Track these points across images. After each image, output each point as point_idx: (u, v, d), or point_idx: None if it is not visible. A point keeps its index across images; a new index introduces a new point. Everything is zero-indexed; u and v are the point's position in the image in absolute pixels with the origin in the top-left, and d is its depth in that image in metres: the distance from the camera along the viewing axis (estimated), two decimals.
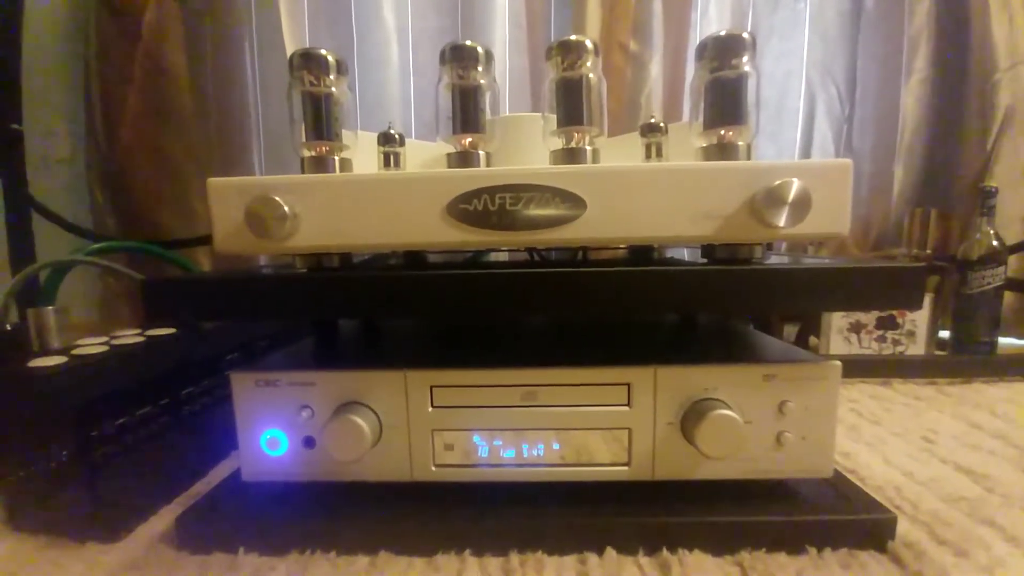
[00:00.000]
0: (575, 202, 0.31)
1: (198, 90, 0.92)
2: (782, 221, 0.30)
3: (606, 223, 0.31)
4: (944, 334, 0.82)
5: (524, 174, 0.31)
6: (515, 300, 0.31)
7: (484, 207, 0.31)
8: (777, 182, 0.30)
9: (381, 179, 0.32)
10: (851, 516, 0.34)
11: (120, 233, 0.97)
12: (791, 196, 0.30)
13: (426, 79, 0.92)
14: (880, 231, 0.96)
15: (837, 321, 0.77)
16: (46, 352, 0.48)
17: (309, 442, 0.35)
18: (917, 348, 0.76)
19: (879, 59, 0.95)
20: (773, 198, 0.30)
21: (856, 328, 0.77)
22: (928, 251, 0.82)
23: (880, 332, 0.76)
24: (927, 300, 0.76)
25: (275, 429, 0.35)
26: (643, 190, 0.31)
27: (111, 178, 0.96)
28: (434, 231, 0.31)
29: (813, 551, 0.33)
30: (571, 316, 0.30)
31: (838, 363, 0.34)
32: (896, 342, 0.76)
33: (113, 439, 0.36)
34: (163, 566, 0.33)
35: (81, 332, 0.53)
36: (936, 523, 0.36)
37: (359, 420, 0.32)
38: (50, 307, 0.65)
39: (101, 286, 0.98)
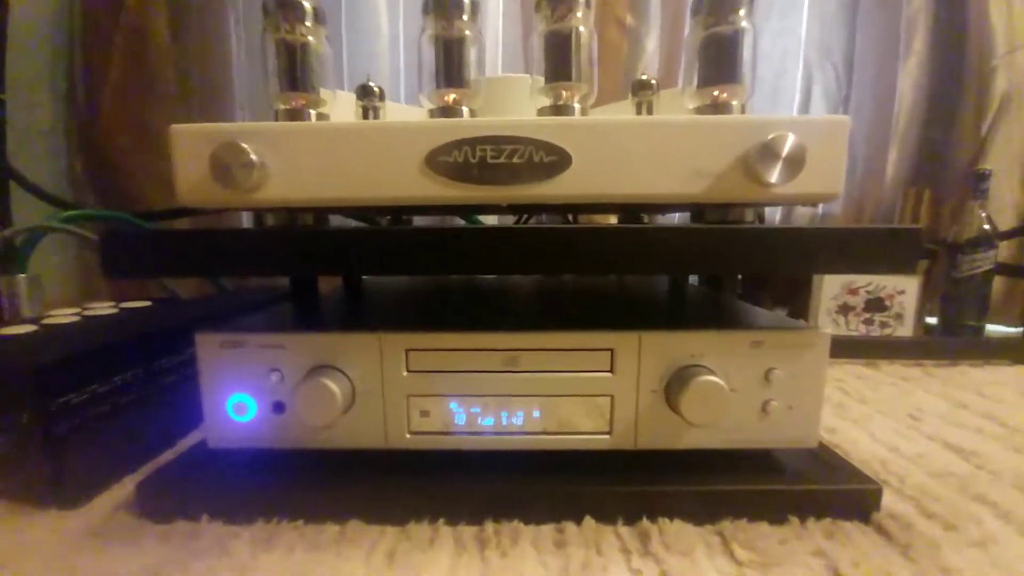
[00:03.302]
0: (560, 156, 0.29)
1: (181, 59, 0.90)
2: (775, 177, 0.29)
3: (592, 179, 0.30)
4: (932, 320, 0.82)
5: (507, 125, 0.30)
6: (500, 257, 0.29)
7: (464, 159, 0.29)
8: (771, 136, 0.28)
9: (356, 128, 0.31)
10: (835, 486, 0.33)
11: (99, 205, 0.94)
12: (785, 150, 0.28)
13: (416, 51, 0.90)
14: (872, 214, 0.95)
15: (825, 303, 0.76)
16: (18, 321, 0.47)
17: (278, 407, 0.33)
18: (904, 331, 0.76)
19: (877, 39, 0.93)
20: (766, 152, 0.28)
21: (844, 310, 0.76)
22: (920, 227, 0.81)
23: (868, 315, 0.76)
24: (916, 283, 0.76)
25: (242, 394, 0.33)
26: (632, 144, 0.29)
27: (90, 149, 0.93)
28: (412, 184, 0.30)
29: (796, 521, 0.32)
30: (555, 273, 0.28)
31: (827, 331, 0.33)
32: (884, 324, 0.76)
33: (78, 407, 0.35)
34: (123, 534, 0.32)
35: (58, 306, 0.51)
36: (924, 497, 0.35)
37: (331, 384, 0.31)
38: (22, 275, 0.62)
39: (79, 261, 0.96)
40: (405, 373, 0.33)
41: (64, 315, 0.47)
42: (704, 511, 0.32)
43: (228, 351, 0.33)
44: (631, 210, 0.46)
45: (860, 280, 0.76)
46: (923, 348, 0.73)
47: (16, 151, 0.81)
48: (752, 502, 0.32)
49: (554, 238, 0.29)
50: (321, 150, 0.30)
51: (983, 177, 0.75)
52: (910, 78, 0.92)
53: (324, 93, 0.35)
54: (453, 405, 0.33)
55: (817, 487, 0.33)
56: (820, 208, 0.99)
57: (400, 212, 0.39)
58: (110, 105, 0.91)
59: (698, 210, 0.35)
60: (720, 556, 0.29)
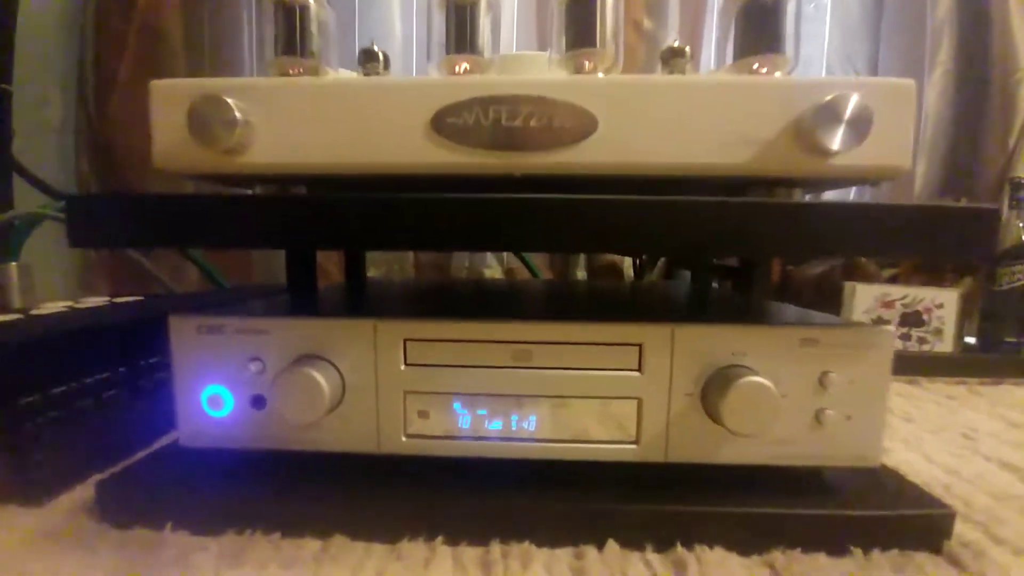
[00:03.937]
0: (584, 119, 0.26)
1: (194, 57, 0.89)
2: (837, 143, 0.25)
3: (620, 146, 0.26)
4: (969, 340, 0.77)
5: (525, 83, 0.26)
6: (516, 227, 0.25)
7: (476, 121, 0.26)
8: (831, 96, 0.24)
9: (353, 85, 0.27)
10: (903, 511, 0.28)
11: None
12: (848, 112, 0.24)
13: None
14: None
15: (857, 316, 0.71)
16: (6, 311, 0.45)
17: (258, 402, 0.29)
18: (944, 347, 0.70)
19: (901, 50, 0.90)
20: (826, 114, 0.25)
21: (878, 324, 0.71)
22: None
23: (904, 329, 0.71)
24: (955, 296, 0.71)
25: (218, 385, 0.30)
26: (667, 107, 0.26)
27: (99, 148, 0.92)
28: (415, 149, 0.26)
29: (858, 552, 0.27)
30: (574, 249, 0.24)
31: (890, 328, 0.29)
32: (922, 340, 0.71)
33: (49, 399, 0.32)
34: (81, 537, 0.28)
35: (57, 300, 0.49)
36: (991, 521, 0.31)
37: (316, 375, 0.27)
38: (13, 263, 0.60)
39: (80, 256, 0.94)
40: (403, 367, 0.29)
41: (54, 307, 0.45)
42: (750, 538, 0.27)
43: (204, 337, 0.29)
44: (661, 190, 0.42)
45: (895, 292, 0.71)
46: (965, 366, 0.67)
47: (25, 148, 0.80)
48: (807, 529, 0.27)
49: (580, 208, 0.25)
50: (313, 110, 0.27)
51: (1020, 186, 0.71)
52: (935, 90, 0.89)
53: (326, 72, 0.32)
54: (456, 405, 0.29)
55: (884, 513, 0.28)
56: (851, 194, 0.95)
57: (400, 187, 0.36)
58: (120, 105, 0.91)
59: (739, 190, 0.31)
60: None
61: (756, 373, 0.27)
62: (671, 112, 0.26)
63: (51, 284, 0.86)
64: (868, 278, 0.76)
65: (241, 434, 0.30)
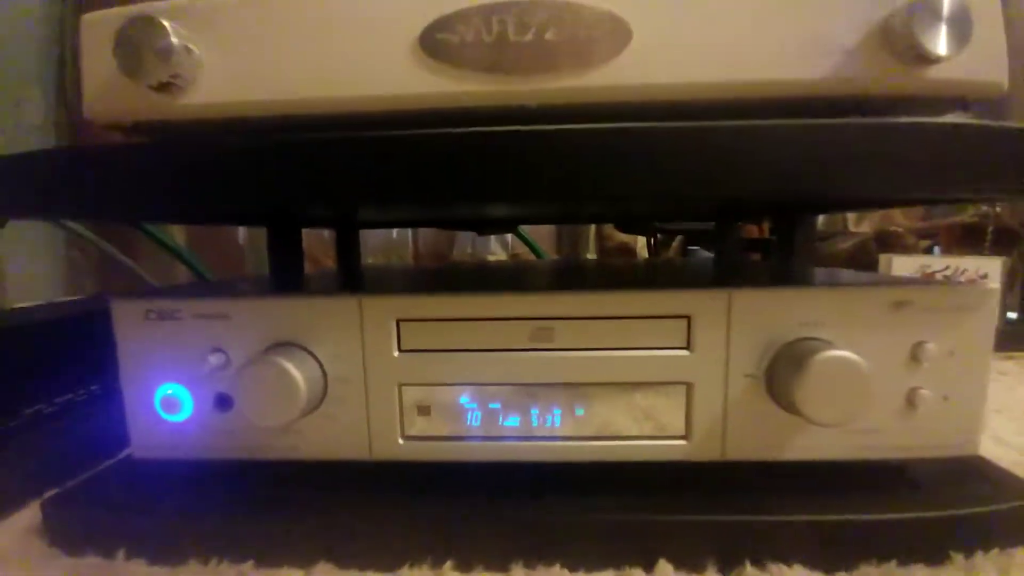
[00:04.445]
0: (615, 29, 0.20)
1: None
2: (941, 45, 0.19)
3: (662, 62, 0.20)
4: (1011, 315, 0.71)
5: None
6: (555, 168, 0.19)
7: (475, 37, 0.20)
8: None
9: None
10: (1005, 505, 0.23)
11: None
12: (946, 8, 0.19)
13: None
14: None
15: None
16: None
17: (223, 402, 0.24)
18: None
19: None
20: (923, 10, 0.19)
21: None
22: (997, 208, 0.70)
23: None
24: (998, 265, 0.65)
25: (174, 383, 0.24)
26: (718, 8, 0.20)
27: (80, 143, 0.87)
28: (399, 77, 0.21)
29: (959, 557, 0.22)
30: (633, 194, 0.19)
31: (996, 287, 0.23)
32: None
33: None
34: (28, 562, 0.23)
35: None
36: None
37: (290, 366, 0.22)
38: None
39: (67, 259, 0.89)
40: (396, 353, 0.24)
41: (22, 307, 0.41)
42: (833, 552, 0.22)
43: (155, 325, 0.24)
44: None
45: (936, 263, 0.65)
46: (1015, 338, 0.62)
47: (7, 147, 0.75)
48: (902, 537, 0.22)
49: (651, 137, 0.19)
50: (274, 32, 0.21)
51: None
52: None
53: None
54: (464, 399, 0.24)
55: (985, 509, 0.23)
56: None
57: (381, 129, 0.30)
58: None
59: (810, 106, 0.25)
60: None
61: (835, 346, 0.22)
62: (727, 14, 0.20)
63: (38, 285, 0.81)
64: (905, 249, 0.70)
65: (204, 442, 0.25)
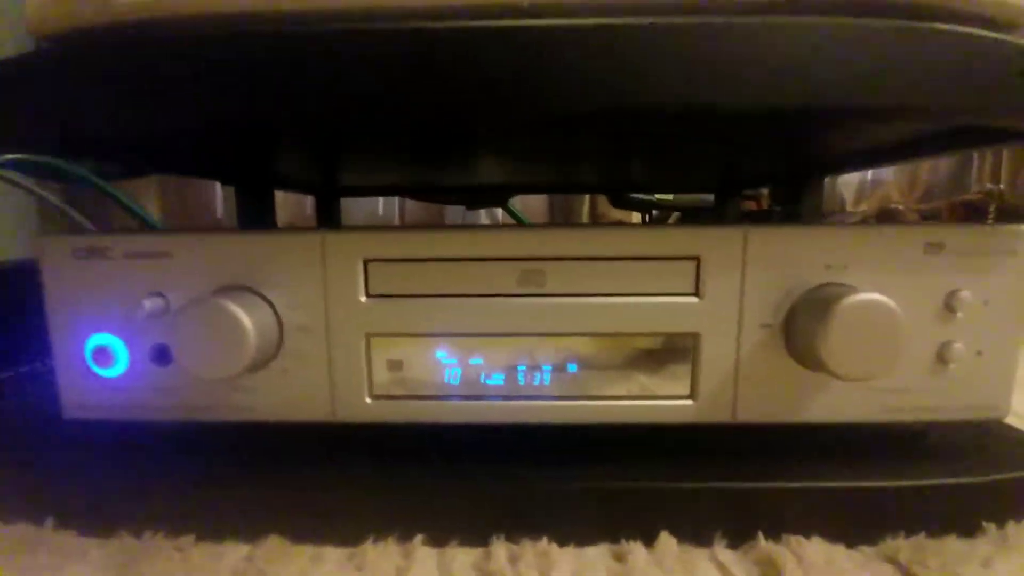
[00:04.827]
0: None
1: None
2: None
3: None
4: None
5: None
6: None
7: None
8: None
9: None
10: None
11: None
12: None
13: None
14: (929, 179, 0.83)
15: None
16: None
17: (161, 355, 0.21)
18: None
19: None
20: None
21: None
22: (1001, 186, 0.68)
23: None
24: None
25: (107, 333, 0.21)
26: None
27: None
28: None
29: (992, 528, 0.19)
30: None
31: None
32: None
33: None
34: None
35: None
36: None
37: (235, 308, 0.19)
38: None
39: (37, 212, 0.84)
40: (363, 299, 0.21)
41: None
42: (856, 522, 0.19)
43: (85, 265, 0.21)
44: None
45: None
46: None
47: None
48: (928, 506, 0.20)
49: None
50: None
51: None
52: None
53: None
54: (441, 353, 0.21)
55: (1017, 475, 0.20)
56: (870, 172, 0.87)
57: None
58: None
59: None
60: None
61: (864, 292, 0.19)
62: None
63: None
64: None
65: (142, 401, 0.21)
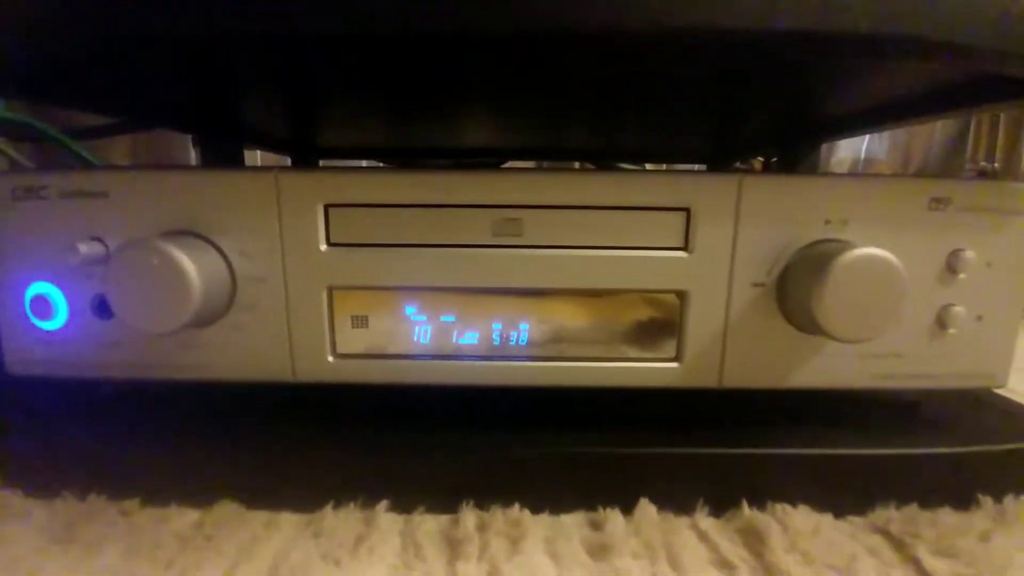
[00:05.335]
0: None
1: None
2: None
3: None
4: None
5: None
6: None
7: None
8: None
9: None
10: None
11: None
12: None
13: None
14: (923, 157, 0.82)
15: None
16: None
17: (103, 308, 0.19)
18: None
19: None
20: None
21: None
22: (996, 164, 0.68)
23: None
24: None
25: (44, 281, 0.19)
26: None
27: None
28: None
29: (989, 502, 0.19)
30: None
31: None
32: None
33: None
34: None
35: None
36: None
37: (177, 252, 0.17)
38: None
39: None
40: (324, 247, 0.19)
41: None
42: (846, 491, 0.18)
43: (21, 206, 0.19)
44: None
45: None
46: None
47: None
48: (922, 477, 0.19)
49: None
50: None
51: None
52: None
53: None
54: (410, 309, 0.19)
55: (1017, 446, 0.20)
56: (863, 150, 0.86)
57: None
58: None
59: None
60: (897, 570, 0.15)
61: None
62: None
63: None
64: None
65: (85, 357, 0.20)
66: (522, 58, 0.17)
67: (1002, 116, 0.72)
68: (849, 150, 0.86)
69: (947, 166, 0.80)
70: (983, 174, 0.66)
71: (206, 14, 0.13)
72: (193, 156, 0.74)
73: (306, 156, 0.46)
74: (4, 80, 0.18)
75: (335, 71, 0.20)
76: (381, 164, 0.78)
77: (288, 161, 0.49)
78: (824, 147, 0.38)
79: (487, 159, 0.55)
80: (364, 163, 0.77)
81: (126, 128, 0.40)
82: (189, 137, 0.50)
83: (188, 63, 0.19)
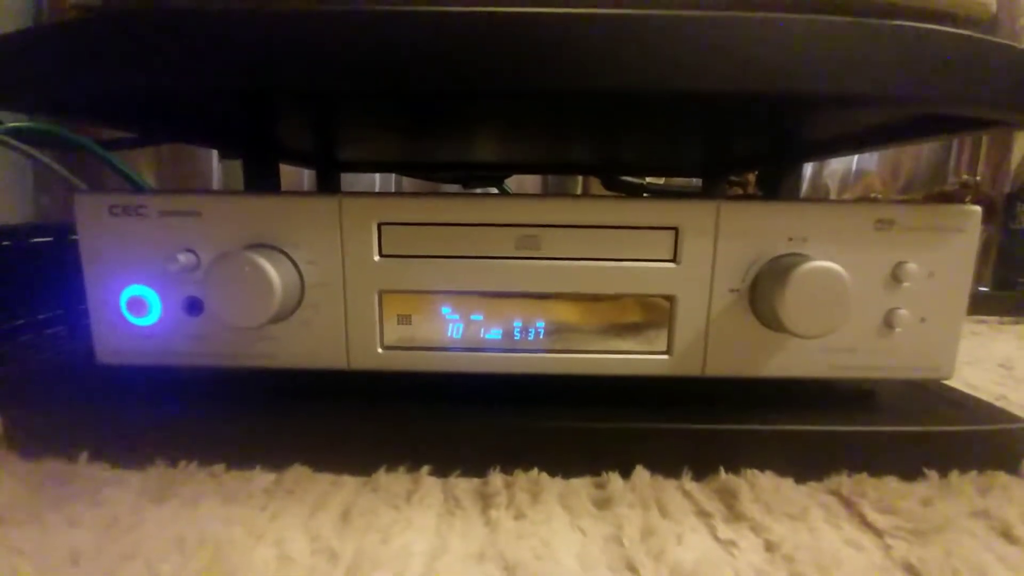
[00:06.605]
0: None
1: None
2: None
3: None
4: (982, 288, 0.74)
5: None
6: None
7: None
8: None
9: None
10: (980, 427, 0.23)
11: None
12: None
13: None
14: (911, 170, 0.86)
15: None
16: None
17: (193, 306, 0.23)
18: None
19: None
20: None
21: None
22: (978, 178, 0.72)
23: None
24: None
25: (141, 285, 0.23)
26: None
27: None
28: None
29: (934, 475, 0.22)
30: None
31: (977, 208, 0.23)
32: None
33: None
34: None
35: None
36: None
37: (264, 263, 0.21)
38: None
39: (35, 206, 0.84)
40: (377, 258, 0.23)
41: None
42: (806, 462, 0.22)
43: (120, 222, 0.23)
44: None
45: None
46: (984, 303, 0.64)
47: None
48: (873, 450, 0.22)
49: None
50: None
51: None
52: None
53: None
54: (446, 309, 0.23)
55: (960, 429, 0.23)
56: (855, 162, 0.90)
57: None
58: None
59: None
60: (847, 523, 0.19)
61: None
62: None
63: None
64: None
65: (173, 348, 0.24)
66: (541, 104, 0.21)
67: (983, 138, 0.76)
68: (841, 163, 0.90)
69: (934, 178, 0.84)
70: (966, 186, 0.70)
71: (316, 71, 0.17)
72: (216, 165, 0.79)
73: (330, 169, 0.51)
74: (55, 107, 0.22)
75: (371, 108, 0.24)
76: (395, 175, 0.82)
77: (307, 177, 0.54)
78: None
79: (496, 172, 0.59)
80: (378, 176, 0.81)
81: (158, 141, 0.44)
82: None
83: (254, 105, 0.24)
